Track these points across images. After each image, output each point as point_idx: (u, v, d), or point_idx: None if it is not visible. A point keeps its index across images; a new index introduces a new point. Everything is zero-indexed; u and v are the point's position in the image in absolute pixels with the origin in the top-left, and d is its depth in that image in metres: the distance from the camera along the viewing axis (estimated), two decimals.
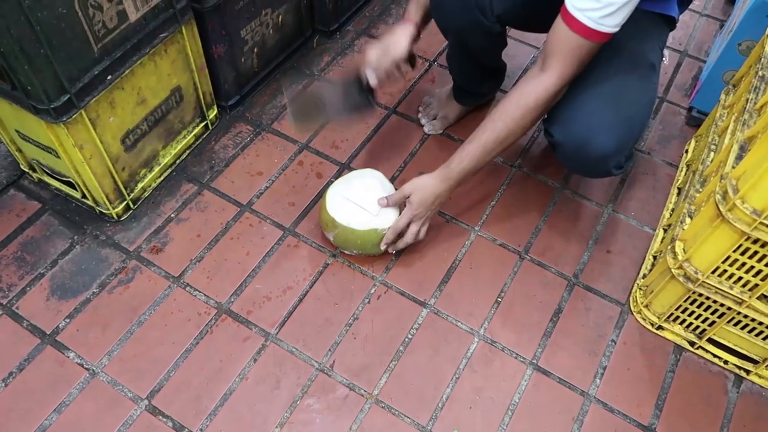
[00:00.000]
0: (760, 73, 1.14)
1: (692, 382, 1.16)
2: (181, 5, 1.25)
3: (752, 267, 0.98)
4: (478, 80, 1.47)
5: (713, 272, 1.03)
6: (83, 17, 1.05)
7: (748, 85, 1.18)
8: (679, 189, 1.40)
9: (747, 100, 1.13)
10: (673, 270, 1.08)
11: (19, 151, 1.32)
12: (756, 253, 0.96)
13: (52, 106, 1.07)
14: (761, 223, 0.91)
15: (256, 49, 1.55)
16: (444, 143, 1.52)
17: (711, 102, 1.47)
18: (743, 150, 1.01)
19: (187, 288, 1.23)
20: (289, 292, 1.23)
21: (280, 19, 1.58)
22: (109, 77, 1.16)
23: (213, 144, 1.49)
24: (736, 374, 1.17)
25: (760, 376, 1.16)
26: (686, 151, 1.50)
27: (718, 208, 0.96)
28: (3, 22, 0.93)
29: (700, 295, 1.09)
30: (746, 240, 0.95)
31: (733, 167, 0.99)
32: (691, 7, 1.93)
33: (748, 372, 1.16)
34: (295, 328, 1.19)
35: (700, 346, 1.18)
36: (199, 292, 1.22)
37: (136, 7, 1.15)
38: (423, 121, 1.55)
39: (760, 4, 1.36)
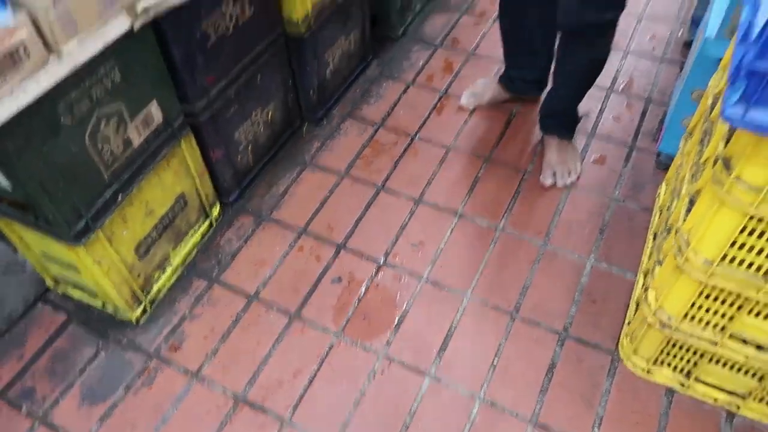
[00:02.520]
0: (704, 126, 1.25)
1: (687, 423, 1.21)
2: (178, 123, 1.39)
3: (717, 311, 1.06)
4: (526, 60, 1.77)
5: (685, 317, 1.11)
6: (93, 151, 1.19)
7: (700, 135, 1.28)
8: (655, 234, 1.49)
9: (698, 151, 1.23)
10: (648, 318, 1.16)
11: (44, 269, 1.45)
12: (717, 297, 1.04)
13: (71, 232, 1.20)
14: (714, 272, 0.99)
15: (250, 147, 1.69)
16: (430, 215, 1.62)
17: (676, 145, 1.57)
18: (692, 203, 1.10)
19: (205, 382, 1.32)
20: (300, 375, 1.32)
21: (269, 116, 1.73)
22: (119, 197, 1.29)
23: (218, 239, 1.61)
24: (727, 411, 1.22)
25: (750, 410, 1.21)
26: (658, 195, 1.59)
27: (676, 259, 1.05)
28: (26, 167, 1.06)
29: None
30: (705, 287, 1.03)
31: (684, 220, 1.08)
32: (653, 52, 2.06)
33: (738, 407, 1.22)
34: (307, 409, 1.27)
35: (690, 386, 1.24)
36: (217, 384, 1.32)
37: (139, 132, 1.29)
38: (465, 92, 1.92)
39: (704, 56, 1.47)
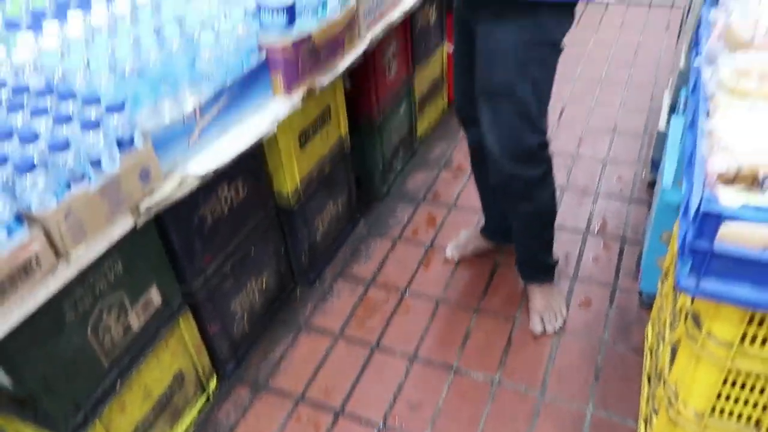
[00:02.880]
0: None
1: None
2: (176, 303, 1.45)
3: None
4: (499, 209, 1.85)
5: None
6: (95, 342, 1.23)
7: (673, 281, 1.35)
8: (649, 377, 1.50)
9: (673, 297, 1.29)
10: None
11: None
12: None
13: (69, 426, 1.20)
14: (707, 425, 1.01)
15: (245, 316, 1.74)
16: (426, 373, 1.64)
17: (655, 283, 1.61)
18: (674, 352, 1.14)
19: None
20: None
21: (263, 284, 1.79)
22: (118, 384, 1.30)
23: (216, 413, 1.59)
24: None
25: None
26: (646, 336, 1.63)
27: (668, 412, 1.07)
28: (31, 367, 1.10)
29: None
30: None
31: (670, 369, 1.11)
32: (621, 194, 2.21)
33: None
34: None
35: None
36: None
37: (139, 317, 1.35)
38: (449, 245, 2.02)
39: (664, 203, 1.59)
